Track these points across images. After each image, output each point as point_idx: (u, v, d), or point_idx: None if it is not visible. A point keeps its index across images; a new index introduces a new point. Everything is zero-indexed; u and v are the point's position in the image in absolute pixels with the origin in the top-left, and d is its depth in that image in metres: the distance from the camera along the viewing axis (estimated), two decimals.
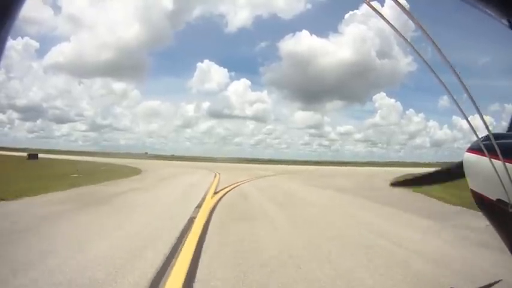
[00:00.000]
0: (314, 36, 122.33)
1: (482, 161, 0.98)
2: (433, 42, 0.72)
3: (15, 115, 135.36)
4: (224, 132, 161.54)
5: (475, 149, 1.06)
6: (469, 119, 0.86)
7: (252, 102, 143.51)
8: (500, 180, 0.89)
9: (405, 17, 0.72)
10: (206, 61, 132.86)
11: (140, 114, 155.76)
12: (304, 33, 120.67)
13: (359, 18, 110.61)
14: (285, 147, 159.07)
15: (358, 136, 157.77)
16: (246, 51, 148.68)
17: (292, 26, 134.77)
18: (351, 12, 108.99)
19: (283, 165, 57.62)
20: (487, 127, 0.86)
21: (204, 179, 17.13)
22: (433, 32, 0.70)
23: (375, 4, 0.74)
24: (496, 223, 1.04)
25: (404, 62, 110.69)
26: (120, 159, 46.52)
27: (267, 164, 71.45)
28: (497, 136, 0.95)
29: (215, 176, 18.30)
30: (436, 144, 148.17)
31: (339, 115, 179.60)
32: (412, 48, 0.78)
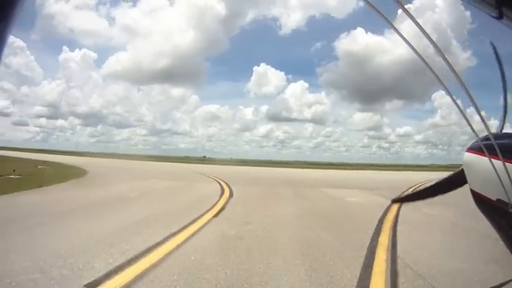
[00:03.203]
0: (369, 33, 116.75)
1: (482, 161, 0.98)
2: (433, 42, 0.71)
3: (76, 121, 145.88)
4: (283, 136, 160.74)
5: (475, 149, 1.08)
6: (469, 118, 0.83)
7: (310, 104, 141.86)
8: (500, 180, 0.89)
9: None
10: (262, 64, 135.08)
11: (199, 119, 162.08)
12: (359, 31, 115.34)
13: (413, 13, 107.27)
14: (344, 150, 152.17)
15: (418, 137, 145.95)
16: (302, 53, 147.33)
17: (346, 24, 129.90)
18: (405, 6, 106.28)
19: (352, 171, 38.95)
20: (487, 127, 0.85)
21: None
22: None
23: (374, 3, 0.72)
24: (496, 223, 1.05)
25: (463, 57, 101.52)
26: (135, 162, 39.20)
27: (329, 168, 50.67)
28: (497, 136, 0.98)
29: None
30: None
31: (398, 116, 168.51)
32: (412, 48, 0.75)
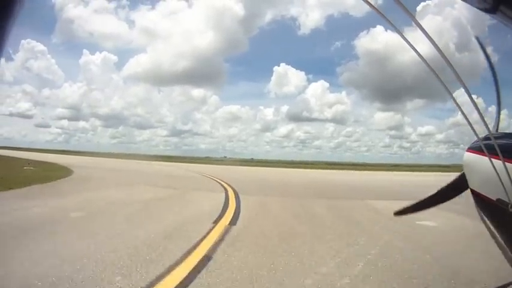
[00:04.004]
0: (389, 31, 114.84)
1: (482, 161, 0.97)
2: (433, 42, 0.71)
3: (97, 123, 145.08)
4: (303, 136, 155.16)
5: (475, 148, 1.08)
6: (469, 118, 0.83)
7: (330, 104, 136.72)
8: (500, 180, 0.87)
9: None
10: (283, 64, 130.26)
11: (219, 119, 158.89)
12: (379, 29, 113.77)
13: (432, 10, 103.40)
14: (365, 150, 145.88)
15: (439, 137, 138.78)
16: (322, 52, 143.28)
17: (366, 23, 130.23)
18: (423, 4, 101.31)
19: (379, 173, 35.94)
20: (487, 127, 0.85)
21: None
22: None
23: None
24: (496, 223, 1.03)
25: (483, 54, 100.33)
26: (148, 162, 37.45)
27: (352, 168, 46.88)
28: (497, 136, 0.98)
29: None
30: None
31: (419, 115, 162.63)
32: (411, 47, 0.76)
